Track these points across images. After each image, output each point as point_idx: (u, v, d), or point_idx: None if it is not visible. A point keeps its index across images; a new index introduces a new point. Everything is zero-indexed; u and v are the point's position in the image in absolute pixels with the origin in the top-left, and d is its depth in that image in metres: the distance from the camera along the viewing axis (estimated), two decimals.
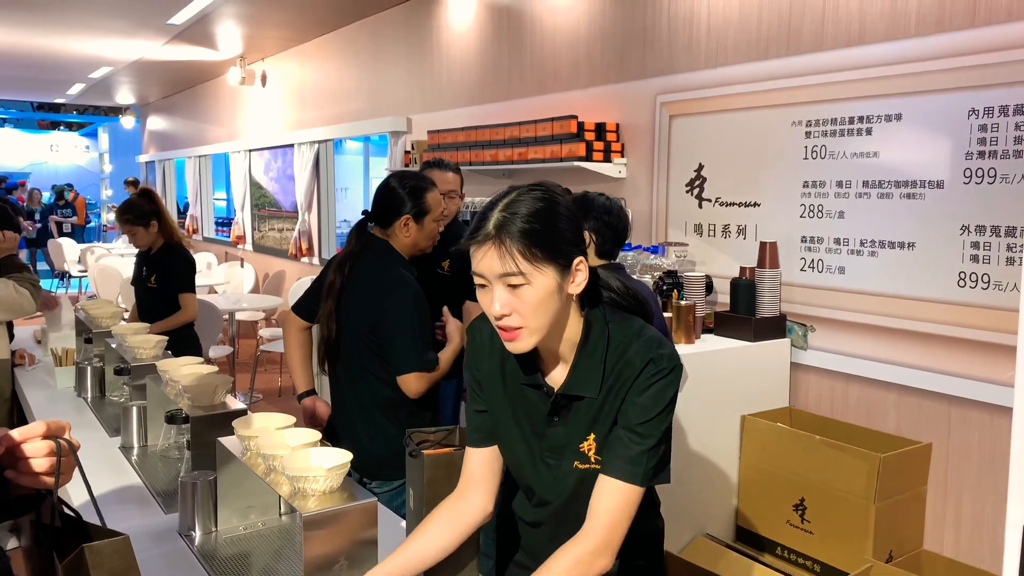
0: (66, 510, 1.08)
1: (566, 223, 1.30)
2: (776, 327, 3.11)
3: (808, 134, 3.03)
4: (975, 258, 2.54)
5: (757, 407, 3.02)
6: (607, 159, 3.81)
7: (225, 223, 11.02)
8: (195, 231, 11.05)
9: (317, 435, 1.63)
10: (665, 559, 1.74)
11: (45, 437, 1.07)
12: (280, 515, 1.88)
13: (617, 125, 3.87)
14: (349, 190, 8.32)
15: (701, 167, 3.48)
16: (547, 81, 4.39)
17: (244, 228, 9.33)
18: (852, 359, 2.92)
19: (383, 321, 2.33)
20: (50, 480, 1.06)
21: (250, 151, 9.04)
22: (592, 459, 1.39)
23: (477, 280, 1.30)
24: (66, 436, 1.09)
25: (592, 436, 1.39)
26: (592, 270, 1.37)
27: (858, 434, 2.84)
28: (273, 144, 8.28)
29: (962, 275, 2.58)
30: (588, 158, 3.75)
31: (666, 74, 3.63)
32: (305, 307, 2.62)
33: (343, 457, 1.48)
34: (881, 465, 2.51)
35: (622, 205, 2.44)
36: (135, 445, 2.37)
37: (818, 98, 2.99)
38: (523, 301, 1.26)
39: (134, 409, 2.38)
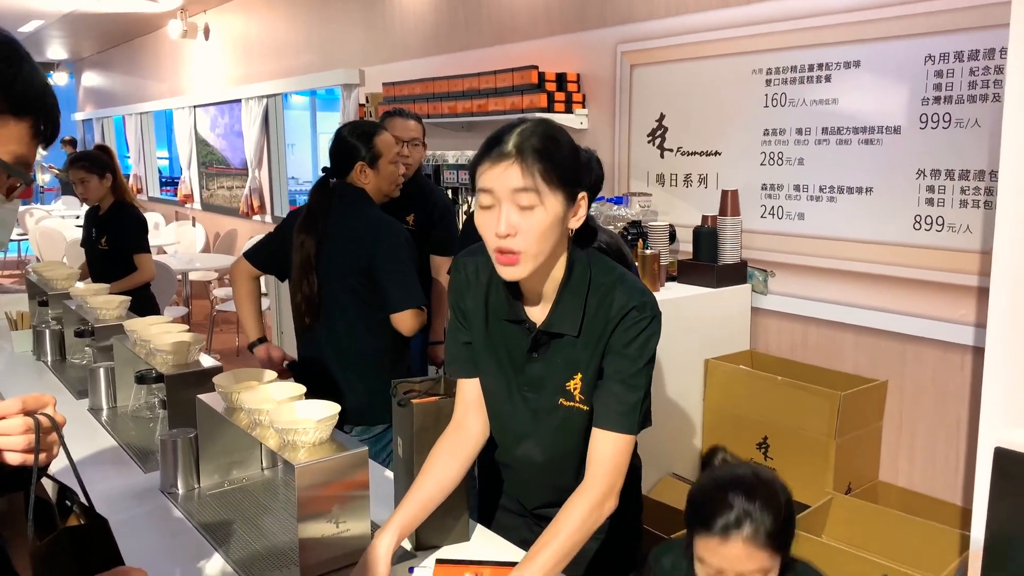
0: (51, 485, 1.05)
1: (573, 157, 1.35)
2: (737, 273, 3.18)
3: (768, 82, 3.06)
4: (930, 201, 2.63)
5: (720, 351, 3.10)
6: (569, 110, 3.80)
7: (169, 182, 10.72)
8: (139, 191, 10.72)
9: (302, 389, 1.63)
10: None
11: (25, 413, 1.00)
12: (262, 469, 1.88)
13: (578, 75, 3.85)
14: (296, 146, 8.16)
15: (662, 117, 3.50)
16: (505, 31, 4.33)
17: (192, 187, 9.09)
18: (811, 302, 3.01)
19: (377, 261, 2.35)
20: (30, 457, 1.02)
21: (195, 107, 8.76)
22: (577, 398, 1.43)
23: (484, 200, 1.31)
24: (49, 411, 1.04)
25: (579, 376, 1.42)
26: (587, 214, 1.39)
27: (817, 374, 2.94)
28: (219, 100, 8.03)
29: (918, 218, 2.66)
30: (550, 109, 3.73)
31: (626, 23, 3.62)
32: (259, 257, 2.60)
33: (331, 409, 1.49)
34: (841, 403, 2.61)
35: (597, 157, 2.45)
36: (104, 407, 2.33)
37: (778, 46, 3.02)
38: (529, 224, 1.28)
39: (101, 371, 2.33)
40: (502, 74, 3.91)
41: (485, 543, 1.57)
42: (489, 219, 1.30)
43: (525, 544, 1.57)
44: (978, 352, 2.57)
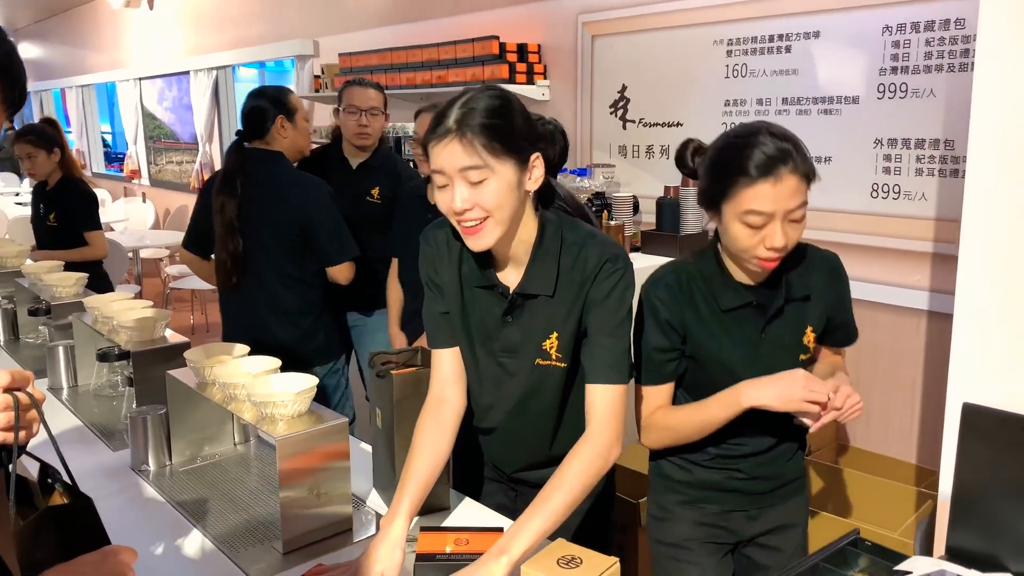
0: (32, 464, 1.02)
1: (521, 120, 1.34)
2: (700, 243, 3.21)
3: (729, 53, 3.09)
4: (887, 170, 2.69)
5: None
6: (530, 81, 3.78)
7: (114, 158, 10.39)
8: (83, 167, 10.36)
9: (277, 362, 1.62)
10: None
11: (6, 390, 0.98)
12: (235, 444, 1.86)
13: (539, 46, 3.83)
14: None
15: (624, 88, 3.51)
16: (465, 0, 4.28)
17: (139, 162, 8.83)
18: None
19: (312, 217, 2.53)
20: (10, 436, 0.99)
21: (140, 79, 8.48)
22: (553, 356, 1.46)
23: (437, 179, 1.32)
24: (28, 389, 1.01)
25: (555, 334, 1.45)
26: (545, 173, 1.40)
27: None
28: (166, 72, 7.80)
29: (875, 186, 2.73)
30: (511, 80, 3.71)
31: None
32: (199, 243, 2.73)
33: (309, 381, 1.48)
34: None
35: (562, 129, 2.45)
36: (64, 386, 2.28)
37: (738, 16, 3.04)
38: (483, 196, 1.30)
39: (60, 349, 2.28)
40: (462, 44, 3.87)
41: (465, 509, 1.58)
42: (445, 197, 1.32)
43: (502, 509, 1.60)
44: (932, 316, 2.66)
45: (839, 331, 1.60)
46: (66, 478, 1.00)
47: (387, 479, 1.57)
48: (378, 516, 1.53)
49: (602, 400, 1.37)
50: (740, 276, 1.50)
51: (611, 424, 1.37)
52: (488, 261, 1.44)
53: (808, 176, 1.39)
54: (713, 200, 1.43)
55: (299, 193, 2.54)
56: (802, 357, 1.52)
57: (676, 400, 1.58)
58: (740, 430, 1.51)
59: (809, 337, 1.53)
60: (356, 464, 1.52)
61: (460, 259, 1.46)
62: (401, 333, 2.74)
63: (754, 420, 1.47)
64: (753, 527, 1.62)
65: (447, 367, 1.50)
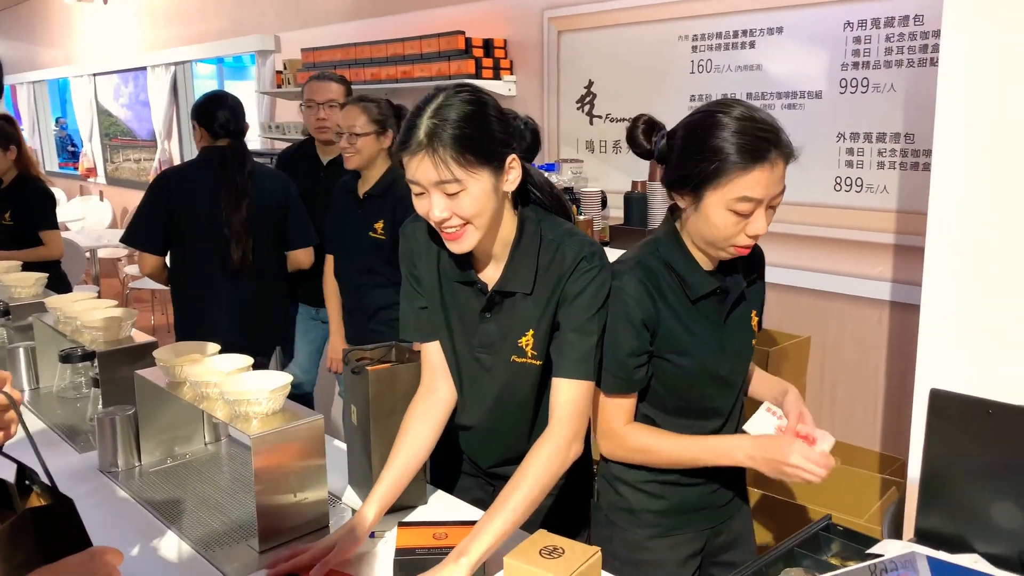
0: (6, 466, 1.00)
1: (496, 124, 1.32)
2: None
3: (694, 48, 3.12)
4: (850, 163, 2.74)
5: None
6: (496, 77, 3.78)
7: (69, 155, 10.14)
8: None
9: (249, 360, 1.60)
10: None
11: None
12: (205, 444, 1.83)
13: (505, 41, 3.83)
14: None
15: (591, 83, 3.52)
16: None
17: (94, 160, 8.63)
18: None
19: (290, 204, 2.82)
20: None
21: (95, 75, 8.29)
22: (529, 353, 1.46)
23: (414, 188, 1.32)
24: (6, 388, 0.99)
25: (531, 332, 1.44)
26: (523, 167, 1.39)
27: None
28: (122, 67, 7.63)
29: (838, 180, 2.78)
30: (477, 76, 3.70)
31: None
32: (160, 244, 2.80)
33: (283, 379, 1.46)
34: (769, 359, 2.72)
35: (534, 126, 2.46)
36: (25, 388, 2.22)
37: (703, 12, 3.07)
38: (460, 206, 1.29)
39: (21, 350, 2.22)
40: (427, 39, 3.85)
41: (441, 504, 1.57)
42: (423, 204, 1.32)
43: (479, 503, 1.59)
44: (895, 306, 2.72)
45: (760, 314, 1.57)
46: (45, 479, 0.98)
47: (363, 475, 1.56)
48: (353, 513, 1.52)
49: (566, 395, 1.37)
50: (704, 262, 1.43)
51: (572, 421, 1.36)
52: (467, 257, 1.43)
53: (791, 158, 1.33)
54: (695, 185, 1.32)
55: (281, 182, 2.84)
56: (753, 342, 1.51)
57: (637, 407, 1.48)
58: None
59: (754, 321, 1.51)
60: (329, 462, 1.51)
61: (439, 254, 1.46)
62: (341, 331, 2.82)
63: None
64: (716, 543, 1.55)
65: (435, 358, 1.50)
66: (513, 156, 1.34)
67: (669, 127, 1.45)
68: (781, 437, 1.36)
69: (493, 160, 1.30)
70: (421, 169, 1.28)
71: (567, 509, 1.62)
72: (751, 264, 1.51)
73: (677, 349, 1.42)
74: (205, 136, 2.79)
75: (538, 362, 1.46)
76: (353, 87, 4.20)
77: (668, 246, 1.43)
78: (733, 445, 1.38)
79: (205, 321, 2.75)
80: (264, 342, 2.94)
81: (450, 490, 1.65)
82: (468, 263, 1.44)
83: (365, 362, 1.55)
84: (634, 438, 1.44)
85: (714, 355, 1.43)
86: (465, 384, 1.53)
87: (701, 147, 1.31)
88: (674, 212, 1.46)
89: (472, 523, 1.32)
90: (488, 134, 1.30)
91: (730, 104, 1.32)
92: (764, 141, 1.27)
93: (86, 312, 1.97)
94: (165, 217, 2.71)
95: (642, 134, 1.44)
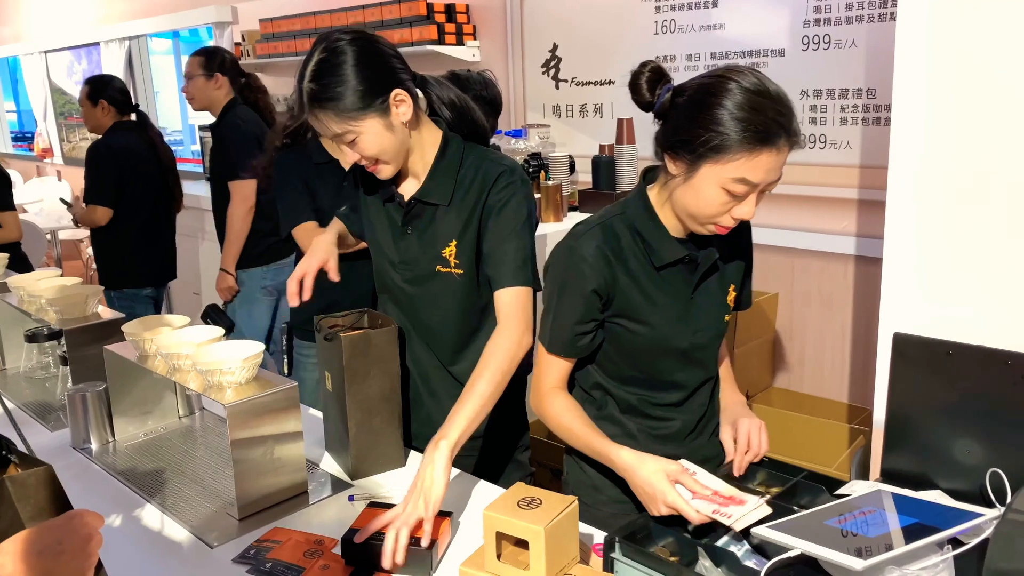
0: None
1: (361, 69, 1.38)
2: None
3: (657, 9, 3.11)
4: (813, 120, 2.77)
5: None
6: (460, 42, 3.74)
7: (21, 137, 9.86)
8: None
9: (220, 331, 1.58)
10: None
11: None
12: (179, 417, 1.82)
13: (467, 6, 3.79)
14: (161, 94, 7.65)
15: (555, 47, 3.50)
16: None
17: (50, 140, 8.41)
18: None
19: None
20: None
21: (46, 52, 8.05)
22: (452, 263, 1.53)
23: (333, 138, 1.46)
24: None
25: (454, 242, 1.52)
26: (424, 89, 1.51)
27: None
28: (74, 43, 7.41)
29: (801, 137, 2.80)
30: (440, 42, 3.66)
31: None
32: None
33: (256, 348, 1.45)
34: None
35: (491, 78, 2.48)
36: None
37: None
38: (362, 149, 1.41)
39: None
40: (388, 6, 3.80)
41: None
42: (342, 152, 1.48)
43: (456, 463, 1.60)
44: (860, 260, 2.76)
45: (743, 292, 1.50)
46: (22, 447, 0.97)
47: (339, 441, 1.57)
48: (332, 478, 1.53)
49: (508, 301, 1.44)
50: (675, 229, 1.35)
51: (519, 315, 1.43)
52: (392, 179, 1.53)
53: (795, 146, 1.23)
54: (693, 152, 1.21)
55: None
56: (727, 318, 1.43)
57: (589, 372, 1.45)
58: (668, 409, 1.44)
59: (731, 296, 1.44)
60: (304, 430, 1.51)
61: (361, 176, 1.59)
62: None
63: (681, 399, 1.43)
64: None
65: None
66: (396, 91, 1.40)
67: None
68: (663, 480, 1.24)
69: (370, 105, 1.38)
70: (319, 128, 1.42)
71: (501, 456, 1.70)
72: (735, 237, 1.42)
73: (634, 316, 1.35)
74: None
75: (460, 271, 1.52)
76: None
77: (636, 209, 1.35)
78: (617, 457, 1.31)
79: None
80: None
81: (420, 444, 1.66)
82: (391, 182, 1.54)
83: (338, 328, 1.55)
84: (550, 404, 1.41)
85: (673, 326, 1.37)
86: (393, 293, 1.61)
87: (709, 115, 1.19)
88: (647, 175, 1.40)
89: (442, 514, 1.28)
90: (354, 84, 1.37)
91: (744, 73, 1.20)
92: (777, 125, 1.17)
93: (50, 290, 1.93)
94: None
95: (646, 82, 1.30)
